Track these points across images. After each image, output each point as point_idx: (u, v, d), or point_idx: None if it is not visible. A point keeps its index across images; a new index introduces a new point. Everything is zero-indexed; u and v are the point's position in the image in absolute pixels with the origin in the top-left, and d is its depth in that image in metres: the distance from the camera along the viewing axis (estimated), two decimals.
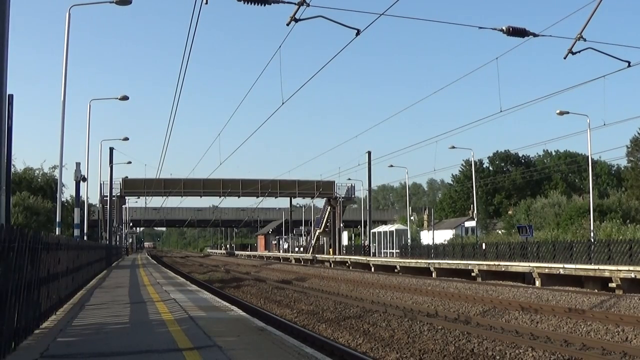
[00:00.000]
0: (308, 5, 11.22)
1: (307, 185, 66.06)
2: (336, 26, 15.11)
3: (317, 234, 72.40)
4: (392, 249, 55.50)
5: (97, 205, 64.59)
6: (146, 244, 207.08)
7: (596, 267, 24.96)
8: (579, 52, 12.88)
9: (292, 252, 79.46)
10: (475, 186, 52.20)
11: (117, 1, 22.42)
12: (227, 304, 14.07)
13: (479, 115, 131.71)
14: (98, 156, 47.77)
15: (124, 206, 69.89)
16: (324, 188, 65.81)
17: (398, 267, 41.24)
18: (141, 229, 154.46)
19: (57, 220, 23.50)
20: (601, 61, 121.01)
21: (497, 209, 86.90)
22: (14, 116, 11.16)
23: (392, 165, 57.89)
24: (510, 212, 73.81)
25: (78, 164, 26.81)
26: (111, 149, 51.42)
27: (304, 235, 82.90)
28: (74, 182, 27.43)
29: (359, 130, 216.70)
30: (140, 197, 67.76)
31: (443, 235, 60.05)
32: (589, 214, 37.19)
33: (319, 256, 63.68)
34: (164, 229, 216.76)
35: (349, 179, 69.58)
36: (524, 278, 29.34)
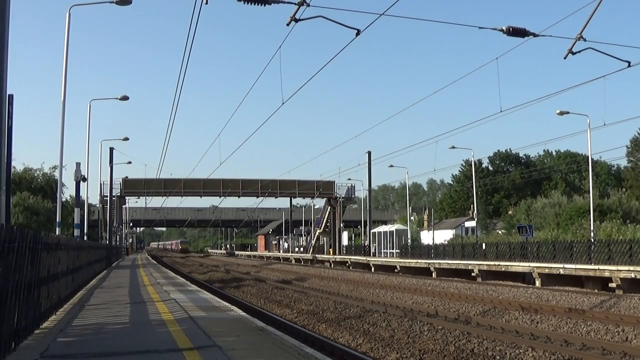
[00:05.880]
0: (308, 5, 11.22)
1: (307, 185, 66.05)
2: (336, 26, 15.14)
3: (317, 234, 72.38)
4: (392, 249, 55.48)
5: (97, 205, 64.59)
6: (170, 243, 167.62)
7: (596, 267, 24.95)
8: (579, 52, 12.89)
9: (292, 252, 79.45)
10: (475, 186, 52.20)
11: (117, 1, 22.42)
12: (227, 304, 14.07)
13: (479, 115, 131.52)
14: (98, 156, 47.84)
15: (124, 206, 69.86)
16: (324, 188, 65.81)
17: (398, 267, 41.23)
18: (141, 229, 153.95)
19: (57, 220, 23.49)
20: (601, 61, 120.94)
21: (497, 209, 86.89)
22: (14, 116, 11.17)
23: (392, 165, 57.97)
24: (510, 212, 73.78)
25: (78, 164, 26.85)
26: (111, 149, 51.48)
27: (304, 235, 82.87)
28: (74, 182, 27.45)
29: (359, 130, 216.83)
30: (140, 197, 67.81)
31: (443, 235, 60.02)
32: (589, 214, 37.18)
33: (319, 256, 63.67)
34: (164, 229, 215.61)
35: (349, 179, 69.80)
36: (524, 278, 29.34)
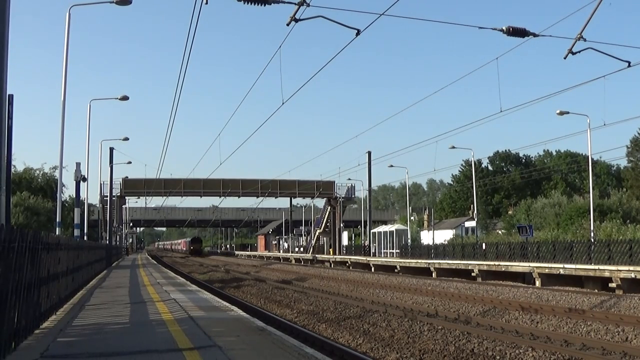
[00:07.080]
0: (308, 5, 11.22)
1: (307, 185, 66.04)
2: (336, 26, 15.15)
3: (317, 234, 72.37)
4: (392, 249, 55.48)
5: (97, 205, 64.59)
6: (176, 242, 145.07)
7: (596, 267, 24.95)
8: (579, 52, 12.90)
9: (292, 252, 79.42)
10: (475, 186, 52.19)
11: (117, 1, 22.41)
12: (227, 304, 14.07)
13: (479, 115, 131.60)
14: (98, 156, 47.81)
15: (124, 206, 69.86)
16: (324, 188, 65.80)
17: (398, 267, 41.22)
18: (141, 229, 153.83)
19: (57, 220, 23.49)
20: (601, 61, 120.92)
21: (497, 209, 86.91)
22: (14, 116, 11.16)
23: (392, 165, 57.96)
24: (510, 212, 73.80)
25: (78, 164, 26.83)
26: (111, 149, 51.45)
27: (304, 236, 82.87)
28: (74, 182, 27.44)
29: (359, 130, 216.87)
30: (140, 197, 67.85)
31: (443, 235, 60.04)
32: (589, 214, 37.18)
33: (319, 256, 63.65)
34: (164, 229, 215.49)
35: (349, 179, 69.70)
36: (524, 278, 29.33)
